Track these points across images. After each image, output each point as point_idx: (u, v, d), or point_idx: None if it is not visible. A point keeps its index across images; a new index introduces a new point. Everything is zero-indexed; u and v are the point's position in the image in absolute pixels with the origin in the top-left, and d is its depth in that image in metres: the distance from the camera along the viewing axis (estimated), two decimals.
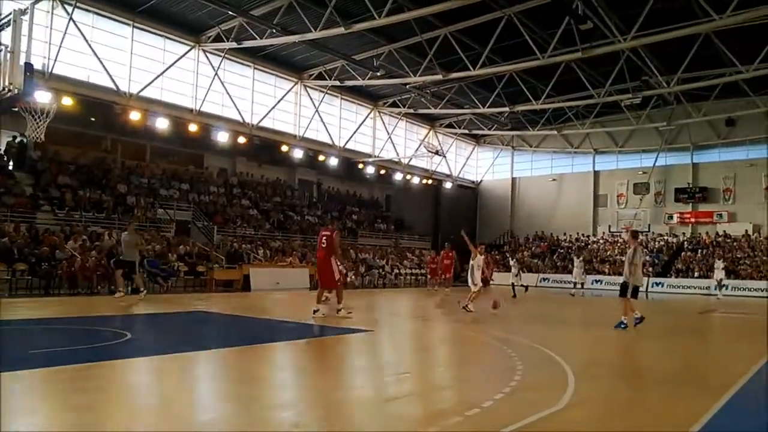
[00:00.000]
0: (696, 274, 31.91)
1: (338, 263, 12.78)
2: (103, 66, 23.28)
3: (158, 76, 25.21)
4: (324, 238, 12.49)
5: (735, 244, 33.71)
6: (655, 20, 21.16)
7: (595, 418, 5.15)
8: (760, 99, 29.95)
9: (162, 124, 25.01)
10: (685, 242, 35.86)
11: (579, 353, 9.41)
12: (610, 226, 39.62)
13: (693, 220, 37.18)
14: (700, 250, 34.22)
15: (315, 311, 12.28)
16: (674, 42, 23.10)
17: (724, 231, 35.07)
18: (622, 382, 6.82)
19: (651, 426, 4.93)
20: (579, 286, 26.21)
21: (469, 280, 15.29)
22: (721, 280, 27.12)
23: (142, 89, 24.73)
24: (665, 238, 37.01)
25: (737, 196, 35.62)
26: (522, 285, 24.75)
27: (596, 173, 40.95)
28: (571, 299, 23.51)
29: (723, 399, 5.71)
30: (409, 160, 39.27)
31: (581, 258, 27.23)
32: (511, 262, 25.30)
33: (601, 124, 37.88)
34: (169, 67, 25.62)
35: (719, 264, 27.55)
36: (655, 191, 38.24)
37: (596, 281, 34.16)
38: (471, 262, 15.40)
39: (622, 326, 11.60)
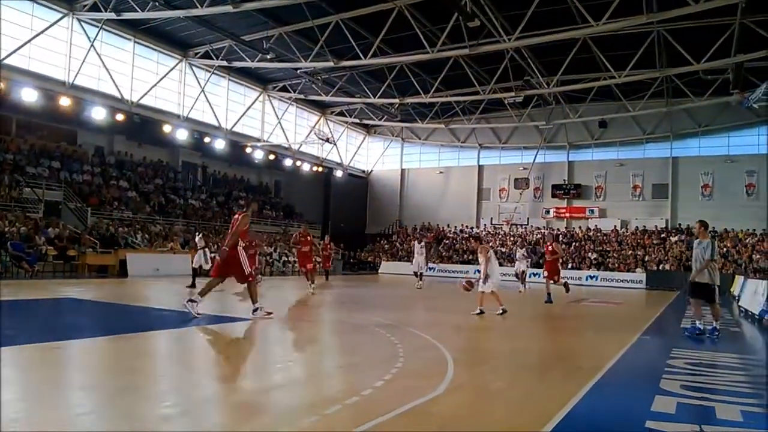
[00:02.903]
0: (569, 266, 33.96)
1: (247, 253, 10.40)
2: None
3: (25, 44, 23.29)
4: (233, 222, 10.54)
5: (605, 238, 36.24)
6: (538, 23, 22.20)
7: (468, 403, 5.27)
8: (630, 103, 32.19)
9: (29, 95, 22.97)
10: (560, 236, 38.02)
11: (458, 340, 9.70)
12: (492, 219, 41.28)
13: (568, 214, 39.50)
14: (573, 244, 36.46)
15: (189, 302, 10.14)
16: (555, 45, 24.48)
17: (596, 225, 37.57)
18: (498, 368, 7.05)
19: (519, 410, 5.14)
20: (420, 274, 22.40)
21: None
22: (523, 272, 22.72)
23: (6, 57, 22.71)
24: (542, 231, 39.04)
25: (607, 194, 38.22)
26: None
27: (480, 167, 42.46)
28: (420, 291, 20.85)
29: (589, 383, 6.01)
30: (300, 147, 38.89)
31: (422, 244, 23.16)
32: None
33: (486, 120, 39.39)
34: (38, 34, 23.75)
35: (521, 253, 23.63)
36: (534, 186, 40.26)
37: (479, 270, 35.44)
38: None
39: (716, 333, 9.94)
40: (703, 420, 4.76)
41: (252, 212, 10.85)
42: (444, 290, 22.43)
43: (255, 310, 10.37)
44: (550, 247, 17.71)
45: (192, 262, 17.79)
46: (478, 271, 13.34)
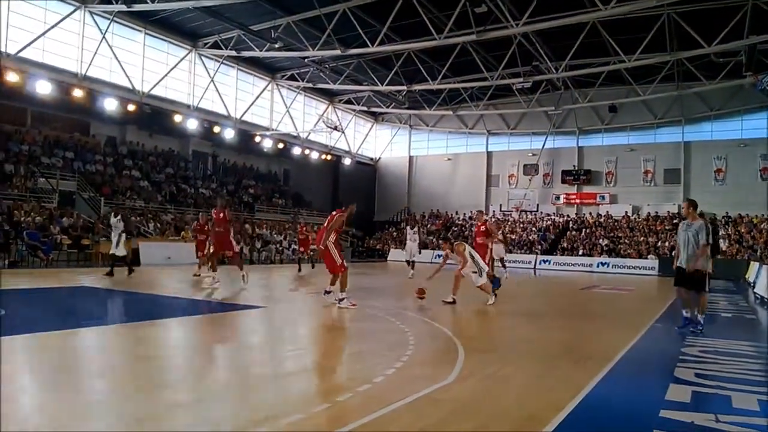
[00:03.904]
0: (580, 252, 33.90)
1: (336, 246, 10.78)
2: None
3: (39, 37, 23.54)
4: (329, 218, 10.99)
5: (616, 224, 36.07)
6: (546, 7, 22.02)
7: (479, 391, 5.24)
8: (641, 87, 31.87)
9: (44, 87, 23.31)
10: (571, 222, 37.91)
11: (468, 327, 9.73)
12: (501, 205, 41.20)
13: (578, 201, 39.32)
14: (583, 230, 36.33)
15: (326, 292, 11.11)
16: (563, 29, 24.23)
17: (607, 211, 37.36)
18: (509, 356, 7.03)
19: (530, 399, 5.13)
20: (411, 263, 20.93)
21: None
22: (502, 258, 19.51)
23: (21, 50, 23.00)
24: (552, 217, 38.94)
25: (618, 179, 38.01)
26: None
27: (489, 154, 42.35)
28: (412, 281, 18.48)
29: (602, 371, 5.99)
30: (308, 135, 38.90)
31: (415, 230, 21.94)
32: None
33: (494, 106, 39.20)
34: (51, 27, 23.94)
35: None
36: (543, 172, 40.07)
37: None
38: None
39: (699, 328, 8.96)
40: (719, 409, 4.75)
41: (350, 214, 11.07)
42: (451, 278, 22.32)
43: (341, 300, 10.66)
44: (482, 227, 14.50)
45: (117, 246, 16.05)
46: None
